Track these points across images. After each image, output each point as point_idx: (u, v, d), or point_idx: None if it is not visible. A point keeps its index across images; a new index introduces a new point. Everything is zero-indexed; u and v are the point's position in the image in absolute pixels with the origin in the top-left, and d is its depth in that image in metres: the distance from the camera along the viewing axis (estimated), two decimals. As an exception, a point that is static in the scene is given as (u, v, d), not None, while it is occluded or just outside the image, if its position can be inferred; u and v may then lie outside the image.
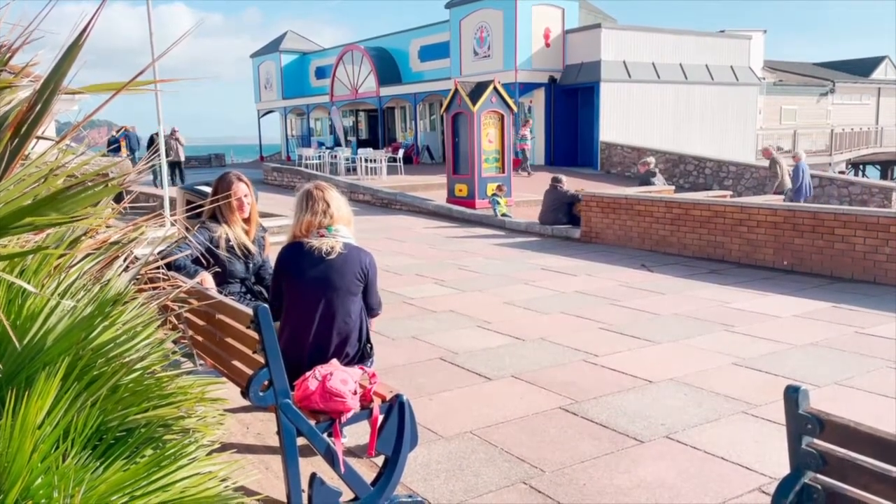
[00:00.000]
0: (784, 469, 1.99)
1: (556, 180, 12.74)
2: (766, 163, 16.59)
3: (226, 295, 3.86)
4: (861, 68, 39.31)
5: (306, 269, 3.33)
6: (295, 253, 3.37)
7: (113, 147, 23.87)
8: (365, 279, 3.45)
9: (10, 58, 2.12)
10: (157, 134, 21.81)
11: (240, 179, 4.24)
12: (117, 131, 28.50)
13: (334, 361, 3.23)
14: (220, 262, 4.06)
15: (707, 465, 3.66)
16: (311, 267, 3.32)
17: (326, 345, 3.35)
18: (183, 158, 22.61)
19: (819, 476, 1.90)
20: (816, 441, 1.89)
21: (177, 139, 21.88)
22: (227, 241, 4.14)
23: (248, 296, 4.24)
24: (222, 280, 4.12)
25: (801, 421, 1.89)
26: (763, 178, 19.73)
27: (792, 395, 1.90)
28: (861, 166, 38.29)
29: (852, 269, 8.21)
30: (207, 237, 4.08)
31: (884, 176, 37.93)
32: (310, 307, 3.34)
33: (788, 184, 16.28)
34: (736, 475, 3.55)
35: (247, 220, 4.28)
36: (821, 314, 6.68)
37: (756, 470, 3.59)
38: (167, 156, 21.69)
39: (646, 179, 15.01)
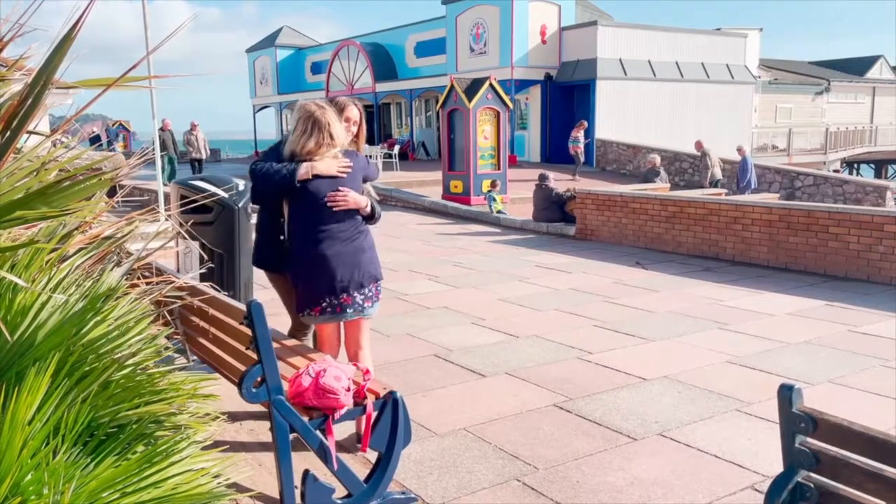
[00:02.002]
0: (777, 467, 1.99)
1: (542, 178, 12.65)
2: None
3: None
4: (856, 67, 39.38)
5: (314, 185, 3.53)
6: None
7: (98, 145, 23.60)
8: (364, 173, 3.75)
9: (0, 50, 2.10)
10: (161, 130, 21.41)
11: (354, 104, 4.04)
12: (110, 126, 28.38)
13: (328, 358, 3.22)
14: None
15: (700, 463, 3.66)
16: (318, 184, 3.54)
17: (335, 241, 3.56)
18: (205, 155, 21.43)
19: (812, 475, 1.90)
20: (810, 440, 1.89)
21: (196, 135, 20.87)
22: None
23: None
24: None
25: (795, 419, 1.89)
26: (759, 177, 19.77)
27: (785, 394, 1.90)
28: (855, 165, 38.40)
29: (846, 268, 8.23)
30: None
31: (878, 175, 38.04)
32: (327, 223, 3.56)
33: (719, 175, 16.98)
34: (729, 473, 3.56)
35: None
36: (815, 312, 6.69)
37: (749, 468, 3.60)
38: (187, 152, 21.12)
39: (648, 177, 15.08)
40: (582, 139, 20.77)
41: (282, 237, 3.77)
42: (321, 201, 3.56)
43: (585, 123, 21.34)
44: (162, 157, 21.05)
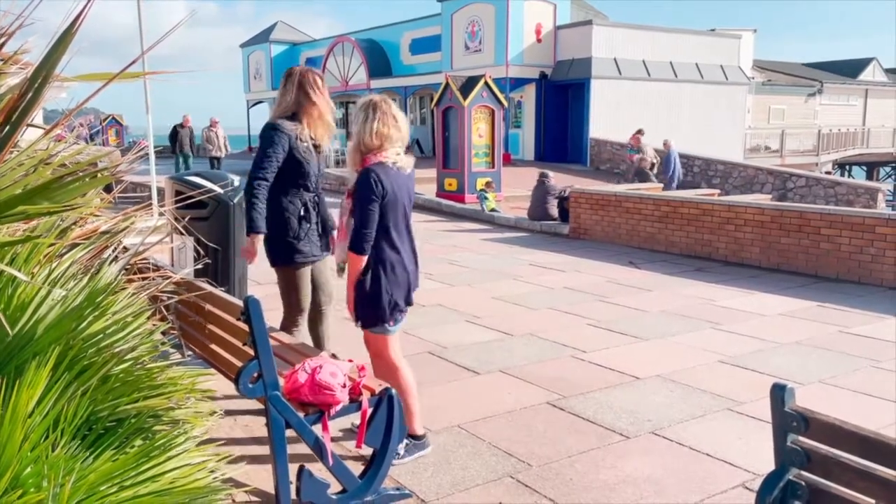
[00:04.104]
0: (768, 465, 2.01)
1: (543, 176, 12.80)
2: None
3: (301, 205, 3.92)
4: (849, 69, 39.56)
5: (401, 189, 3.41)
6: (387, 175, 3.34)
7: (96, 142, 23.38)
8: None
9: (2, 45, 2.10)
10: (180, 126, 20.91)
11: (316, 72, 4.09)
12: (91, 121, 28.18)
13: (324, 355, 3.24)
14: (298, 160, 3.94)
15: (692, 461, 3.69)
16: (403, 186, 3.44)
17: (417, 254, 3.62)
18: (224, 153, 20.37)
19: (803, 473, 1.93)
20: (801, 438, 1.91)
21: (216, 132, 20.00)
22: (309, 136, 4.01)
23: (318, 208, 4.11)
24: (296, 183, 3.99)
25: (787, 418, 1.92)
26: (751, 178, 19.88)
27: (778, 393, 1.93)
28: (847, 167, 38.57)
29: (837, 269, 8.29)
30: (286, 142, 3.92)
31: (870, 177, 38.22)
32: (406, 223, 3.51)
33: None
34: (721, 471, 3.59)
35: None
36: (806, 313, 6.74)
37: (740, 466, 3.63)
38: (206, 150, 20.65)
39: (641, 176, 15.21)
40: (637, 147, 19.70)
41: (293, 229, 3.83)
42: (405, 214, 3.48)
43: (644, 132, 18.93)
44: (177, 154, 20.73)
